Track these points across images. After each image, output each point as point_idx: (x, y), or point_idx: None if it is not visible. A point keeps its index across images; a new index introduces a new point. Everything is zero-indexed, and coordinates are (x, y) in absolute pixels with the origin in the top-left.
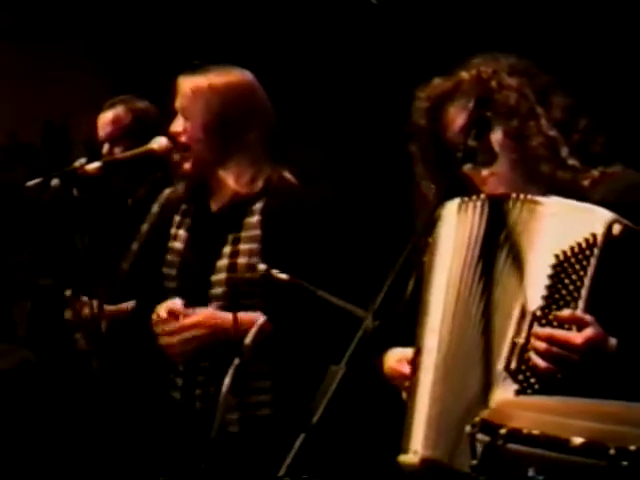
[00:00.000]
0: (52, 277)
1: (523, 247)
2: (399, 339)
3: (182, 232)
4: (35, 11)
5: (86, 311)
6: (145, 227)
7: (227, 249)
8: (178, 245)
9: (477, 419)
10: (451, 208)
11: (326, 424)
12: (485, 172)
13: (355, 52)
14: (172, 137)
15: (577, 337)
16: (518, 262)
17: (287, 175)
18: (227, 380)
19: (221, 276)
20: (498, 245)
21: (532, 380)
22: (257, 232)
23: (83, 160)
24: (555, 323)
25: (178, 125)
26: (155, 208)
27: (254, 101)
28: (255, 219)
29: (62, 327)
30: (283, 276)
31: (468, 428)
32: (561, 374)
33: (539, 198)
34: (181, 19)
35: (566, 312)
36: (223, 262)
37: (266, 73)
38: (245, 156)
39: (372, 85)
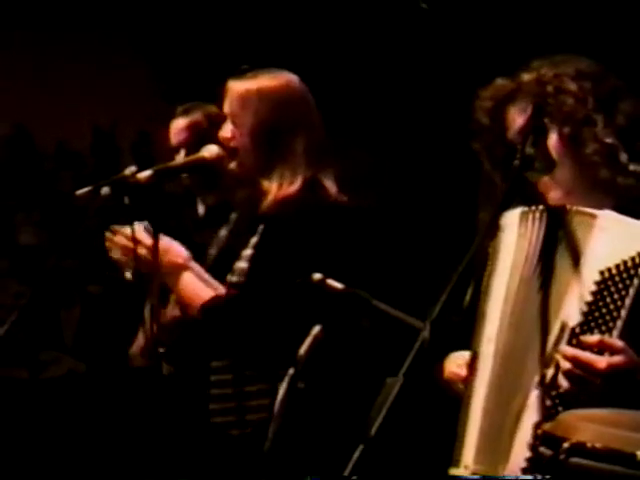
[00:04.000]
0: (101, 285)
1: (574, 261)
2: (456, 349)
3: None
4: (84, 17)
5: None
6: (213, 251)
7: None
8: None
9: (539, 431)
10: (513, 218)
11: (382, 435)
12: (545, 179)
13: (408, 54)
14: (221, 143)
15: (601, 362)
16: (568, 276)
17: (327, 183)
18: (281, 391)
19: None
20: (554, 258)
21: (557, 400)
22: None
23: (133, 168)
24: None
25: (227, 131)
26: (223, 232)
27: (303, 108)
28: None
29: (111, 335)
30: (338, 285)
31: (530, 440)
32: (583, 397)
33: (595, 211)
34: (231, 23)
35: (594, 337)
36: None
37: (314, 76)
38: (289, 166)
39: (426, 86)
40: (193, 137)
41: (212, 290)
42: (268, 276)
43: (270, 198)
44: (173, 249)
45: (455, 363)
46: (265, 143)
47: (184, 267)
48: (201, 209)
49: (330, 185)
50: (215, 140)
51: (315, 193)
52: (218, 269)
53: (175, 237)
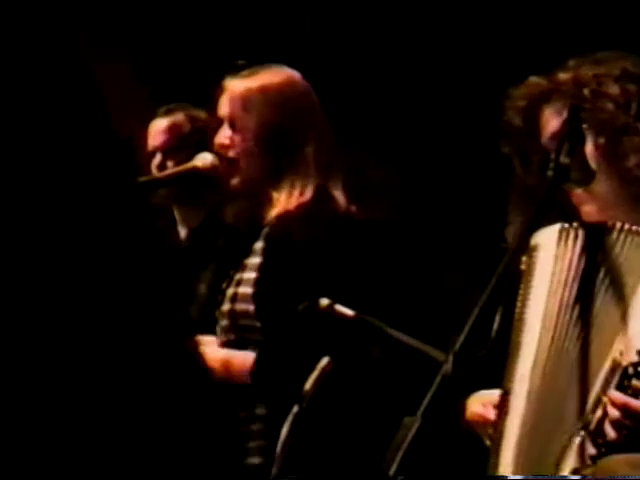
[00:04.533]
0: None
1: (625, 288)
2: (483, 386)
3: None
4: (67, 14)
5: None
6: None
7: (237, 276)
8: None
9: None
10: (550, 236)
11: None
12: (579, 191)
13: (427, 45)
14: (217, 151)
15: None
16: (618, 305)
17: (337, 193)
18: (285, 430)
19: (225, 307)
20: (598, 283)
21: (603, 449)
22: (257, 260)
23: None
24: None
25: (224, 136)
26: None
27: (310, 107)
28: (259, 245)
29: None
30: (348, 312)
31: None
32: (632, 446)
33: None
34: (226, 17)
35: None
36: (230, 291)
37: (323, 76)
38: (299, 174)
39: (448, 82)
40: (173, 141)
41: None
42: (276, 304)
43: (277, 210)
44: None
45: (479, 402)
46: (273, 148)
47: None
48: (183, 232)
49: (339, 195)
50: (199, 147)
51: (325, 204)
52: (210, 308)
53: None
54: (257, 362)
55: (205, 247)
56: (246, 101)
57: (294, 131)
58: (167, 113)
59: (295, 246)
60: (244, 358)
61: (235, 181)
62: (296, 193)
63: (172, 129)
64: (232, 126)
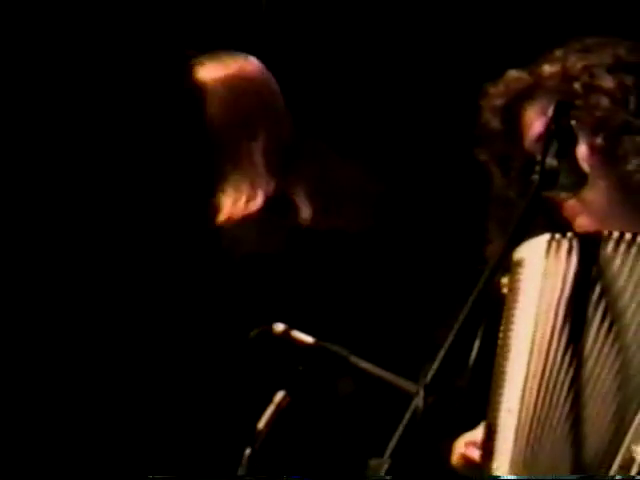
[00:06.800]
0: None
1: (625, 307)
2: (462, 421)
3: None
4: None
5: None
6: None
7: None
8: None
9: None
10: (537, 249)
11: None
12: (572, 201)
13: (399, 39)
14: None
15: None
16: (619, 327)
17: (298, 200)
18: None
19: None
20: (595, 302)
21: None
22: None
23: None
24: None
25: None
26: None
27: (263, 102)
28: None
29: None
30: (306, 339)
31: None
32: None
33: None
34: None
35: None
36: None
37: (282, 65)
38: (245, 176)
39: (419, 80)
40: None
41: None
42: (214, 326)
43: (221, 218)
44: None
45: (462, 443)
46: (212, 145)
47: None
48: None
49: (301, 202)
50: None
51: (281, 214)
52: None
53: None
54: None
55: None
56: None
57: (237, 126)
58: None
59: (243, 261)
60: None
61: None
62: (243, 198)
63: None
64: None
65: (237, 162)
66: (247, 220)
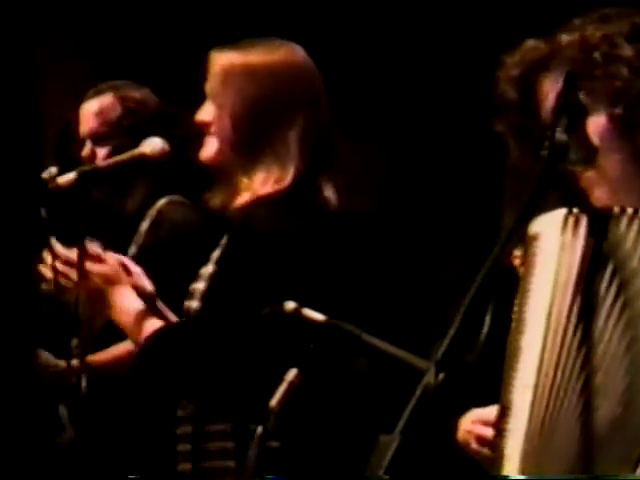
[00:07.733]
0: None
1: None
2: (474, 398)
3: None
4: None
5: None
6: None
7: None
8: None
9: None
10: (554, 223)
11: None
12: (589, 173)
13: (410, 14)
14: (199, 127)
15: None
16: (633, 302)
17: (325, 185)
18: (251, 453)
19: (185, 304)
20: (609, 278)
21: None
22: (217, 252)
23: (53, 170)
24: None
25: (206, 113)
26: (144, 225)
27: (304, 89)
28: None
29: None
30: (318, 317)
31: None
32: None
33: None
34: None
35: None
36: (191, 287)
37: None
38: (278, 159)
39: (431, 51)
40: (101, 127)
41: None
42: (229, 302)
43: (245, 196)
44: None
45: (468, 420)
46: (249, 127)
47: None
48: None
49: (327, 188)
50: (129, 132)
51: (306, 197)
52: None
53: None
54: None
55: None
56: (226, 75)
57: (276, 111)
58: (95, 94)
59: (259, 237)
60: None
61: (206, 154)
62: (272, 179)
63: (99, 114)
64: (214, 103)
65: (272, 145)
66: (271, 198)
